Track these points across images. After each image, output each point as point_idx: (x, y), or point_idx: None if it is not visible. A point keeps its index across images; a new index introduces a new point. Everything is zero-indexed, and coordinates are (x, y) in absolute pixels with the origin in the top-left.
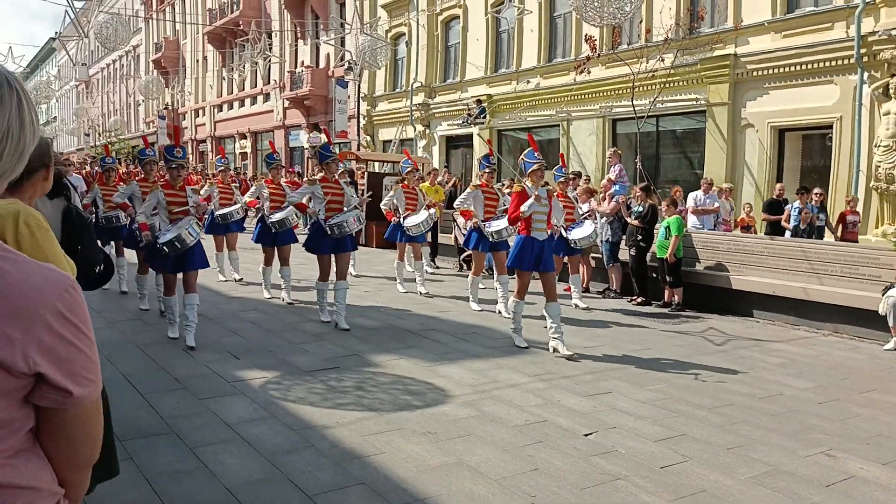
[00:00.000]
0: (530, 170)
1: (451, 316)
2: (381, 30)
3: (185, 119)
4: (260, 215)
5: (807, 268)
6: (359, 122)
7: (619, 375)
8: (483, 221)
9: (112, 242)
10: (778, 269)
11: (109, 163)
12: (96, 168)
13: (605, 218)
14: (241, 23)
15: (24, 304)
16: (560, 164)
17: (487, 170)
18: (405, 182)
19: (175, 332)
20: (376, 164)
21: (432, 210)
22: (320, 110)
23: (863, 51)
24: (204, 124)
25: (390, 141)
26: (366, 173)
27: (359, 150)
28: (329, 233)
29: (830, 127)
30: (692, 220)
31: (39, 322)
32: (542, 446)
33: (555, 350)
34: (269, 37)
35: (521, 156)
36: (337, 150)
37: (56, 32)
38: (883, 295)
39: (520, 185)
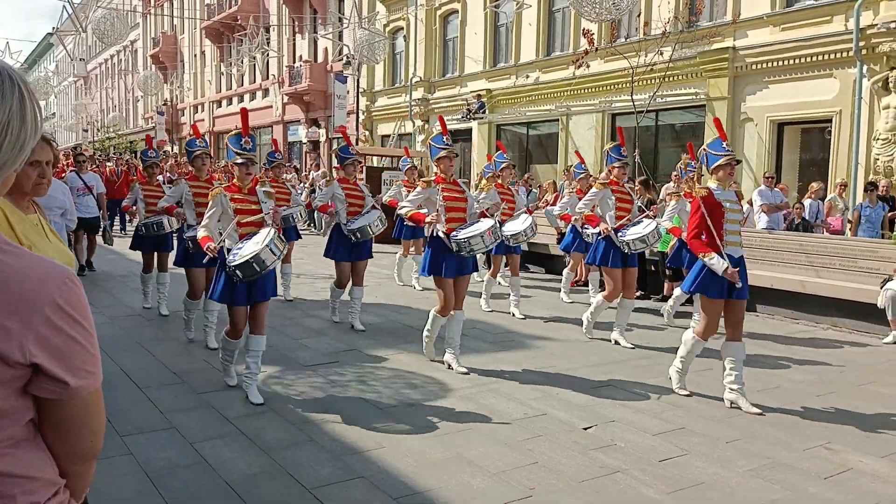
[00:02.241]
0: (716, 164)
1: None
2: (379, 24)
3: (183, 115)
4: (334, 223)
5: (805, 261)
6: (358, 116)
7: (618, 369)
8: (615, 229)
9: (156, 254)
10: (777, 263)
11: (152, 157)
12: (122, 166)
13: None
14: (239, 17)
15: (22, 296)
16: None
17: (617, 164)
18: (499, 181)
19: (255, 394)
20: (374, 158)
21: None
22: (319, 105)
23: (862, 44)
24: (203, 120)
25: (389, 135)
26: (364, 168)
27: (357, 144)
28: (454, 249)
29: (830, 121)
30: (762, 220)
31: (37, 314)
32: (541, 440)
33: (732, 404)
34: (267, 31)
35: (703, 146)
36: (335, 145)
37: (53, 27)
38: (881, 288)
39: (703, 189)
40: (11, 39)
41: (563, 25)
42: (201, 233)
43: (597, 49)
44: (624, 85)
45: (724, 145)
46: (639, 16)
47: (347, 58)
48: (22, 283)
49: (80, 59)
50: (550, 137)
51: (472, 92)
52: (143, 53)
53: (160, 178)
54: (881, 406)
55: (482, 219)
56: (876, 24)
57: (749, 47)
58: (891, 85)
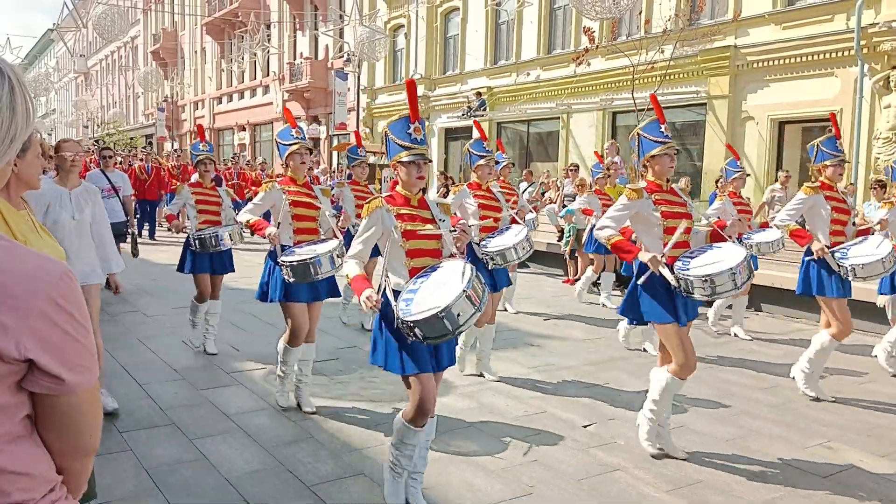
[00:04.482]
0: None
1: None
2: (380, 21)
3: (184, 111)
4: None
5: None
6: (358, 114)
7: (618, 367)
8: (831, 248)
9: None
10: (778, 262)
11: (205, 151)
12: (152, 163)
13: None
14: (239, 14)
15: (18, 291)
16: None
17: (831, 162)
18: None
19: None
20: (374, 155)
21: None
22: (320, 102)
23: (863, 43)
24: (203, 116)
25: None
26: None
27: None
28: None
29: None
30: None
31: (33, 309)
32: (540, 437)
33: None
34: (268, 28)
35: None
36: (335, 142)
37: (54, 24)
38: None
39: None
40: (13, 35)
41: (564, 23)
42: (353, 270)
43: (598, 47)
44: (625, 83)
45: None
46: (640, 13)
47: (348, 55)
48: (17, 278)
49: (81, 56)
50: (551, 135)
51: (472, 89)
52: (144, 49)
53: (272, 184)
54: (881, 405)
55: (720, 243)
56: (877, 23)
57: (750, 45)
58: (892, 84)
